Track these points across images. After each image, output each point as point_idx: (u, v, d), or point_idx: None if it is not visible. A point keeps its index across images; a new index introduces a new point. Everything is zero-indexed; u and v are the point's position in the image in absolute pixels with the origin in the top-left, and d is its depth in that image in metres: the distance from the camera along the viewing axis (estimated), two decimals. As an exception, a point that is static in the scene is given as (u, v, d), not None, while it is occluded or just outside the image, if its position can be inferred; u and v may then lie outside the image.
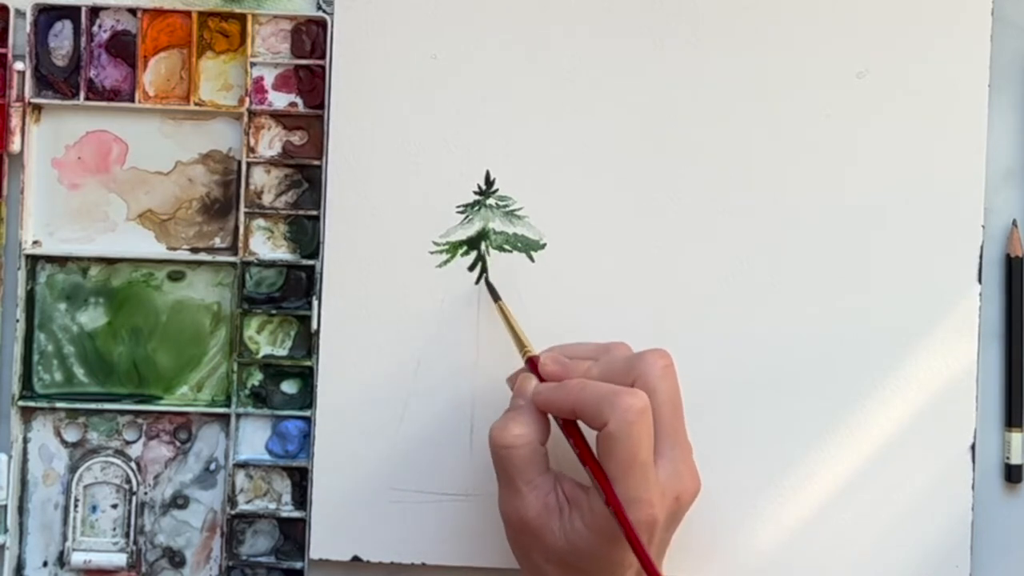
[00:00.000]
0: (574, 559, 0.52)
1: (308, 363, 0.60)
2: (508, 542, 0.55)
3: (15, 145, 0.60)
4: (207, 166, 0.61)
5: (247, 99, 0.60)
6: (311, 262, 0.60)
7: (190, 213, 0.61)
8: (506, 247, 0.60)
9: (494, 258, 0.60)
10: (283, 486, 0.60)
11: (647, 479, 0.50)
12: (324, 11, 0.60)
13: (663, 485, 0.51)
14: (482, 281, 0.59)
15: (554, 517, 0.52)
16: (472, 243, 0.60)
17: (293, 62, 0.60)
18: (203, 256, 0.60)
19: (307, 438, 0.60)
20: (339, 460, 0.59)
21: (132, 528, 0.60)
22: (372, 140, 0.60)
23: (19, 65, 0.60)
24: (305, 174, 0.61)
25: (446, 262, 0.60)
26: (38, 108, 0.60)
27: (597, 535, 0.51)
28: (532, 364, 0.55)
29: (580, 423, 0.52)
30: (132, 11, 0.60)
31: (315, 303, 0.60)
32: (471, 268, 0.60)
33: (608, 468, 0.50)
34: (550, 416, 0.54)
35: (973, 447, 0.59)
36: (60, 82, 0.60)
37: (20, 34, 0.60)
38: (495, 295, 0.58)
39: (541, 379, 0.54)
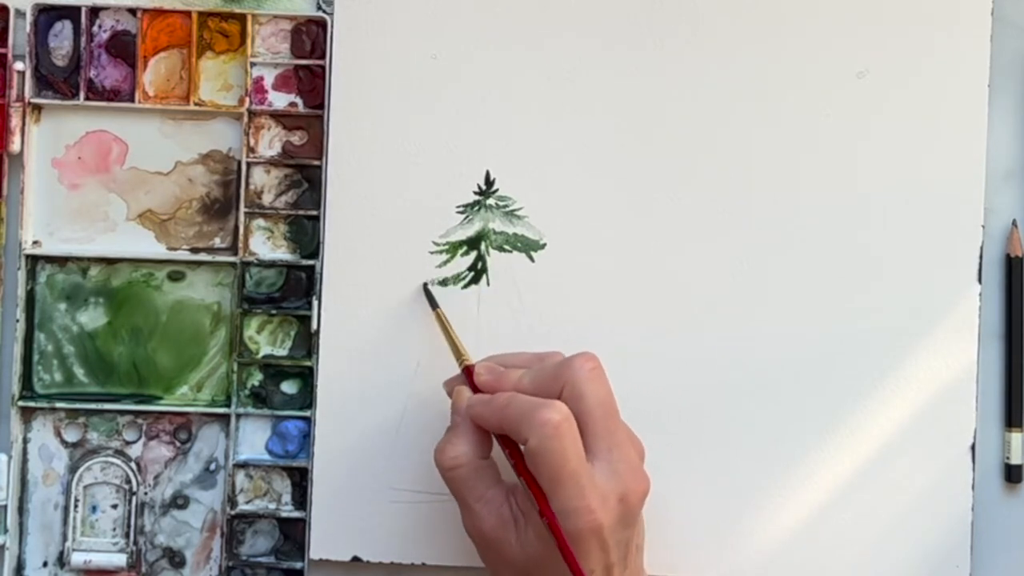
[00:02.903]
0: (535, 570, 0.52)
1: (308, 363, 0.60)
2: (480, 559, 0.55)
3: (15, 145, 0.60)
4: (207, 166, 0.61)
5: (247, 99, 0.60)
6: (311, 262, 0.60)
7: (190, 213, 0.61)
8: (506, 247, 0.60)
9: (494, 258, 0.60)
10: (283, 486, 0.60)
11: (580, 487, 0.50)
12: (324, 11, 0.60)
13: (602, 489, 0.50)
14: (420, 287, 0.59)
15: (510, 529, 0.52)
16: (472, 243, 0.60)
17: (293, 62, 0.60)
18: (203, 256, 0.60)
19: (307, 438, 0.60)
20: (339, 460, 0.59)
21: (132, 528, 0.60)
22: (372, 140, 0.60)
23: (19, 65, 0.60)
24: (305, 174, 0.61)
25: (446, 262, 0.60)
26: (38, 108, 0.60)
27: (550, 546, 0.51)
28: (468, 373, 0.55)
29: None
30: (132, 11, 0.60)
31: (315, 303, 0.60)
32: (471, 268, 0.60)
33: (540, 482, 0.50)
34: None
35: (973, 447, 0.59)
36: (60, 82, 0.60)
37: (20, 34, 0.60)
38: (433, 303, 0.58)
39: (475, 389, 0.55)
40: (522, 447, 0.51)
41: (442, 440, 0.54)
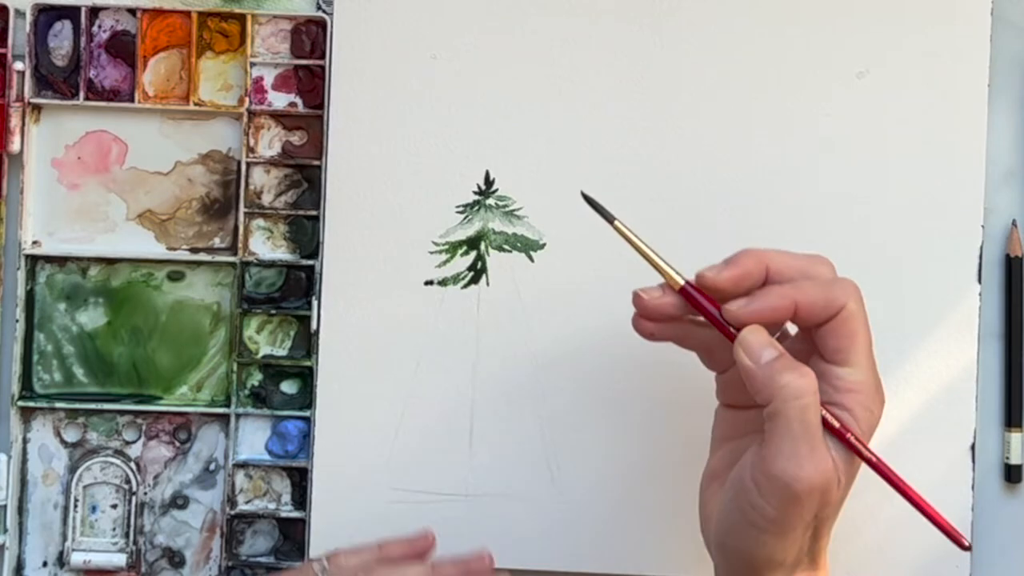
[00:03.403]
0: (838, 505, 0.51)
1: (308, 363, 0.60)
2: (771, 509, 0.49)
3: (15, 145, 0.59)
4: (207, 166, 0.61)
5: (247, 99, 0.60)
6: (311, 262, 0.60)
7: (190, 213, 0.61)
8: (506, 247, 0.60)
9: (494, 258, 0.60)
10: (283, 486, 0.60)
11: (874, 366, 0.50)
12: (324, 11, 0.60)
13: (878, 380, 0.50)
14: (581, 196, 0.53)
15: (839, 468, 0.50)
16: (472, 243, 0.60)
17: (293, 62, 0.60)
18: (203, 256, 0.60)
19: (307, 438, 0.60)
20: (339, 460, 0.59)
21: (132, 528, 0.60)
22: (372, 140, 0.60)
23: (19, 65, 0.60)
24: (305, 174, 0.61)
25: (446, 262, 0.60)
26: (38, 108, 0.60)
27: (852, 467, 0.50)
28: (686, 294, 0.51)
29: None
30: (132, 11, 0.60)
31: (315, 303, 0.60)
32: (471, 268, 0.60)
33: (853, 349, 0.49)
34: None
35: (973, 447, 0.59)
36: (60, 82, 0.60)
37: (20, 34, 0.60)
38: (607, 216, 0.53)
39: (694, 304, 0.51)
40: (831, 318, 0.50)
41: (778, 373, 0.49)
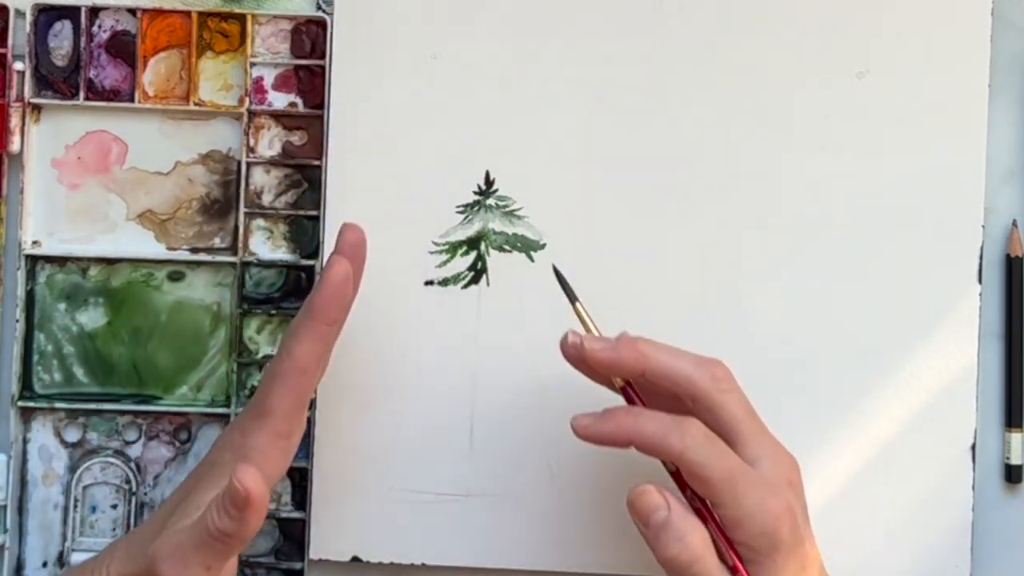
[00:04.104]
0: None
1: (308, 363, 0.60)
2: None
3: (15, 145, 0.59)
4: (207, 166, 0.61)
5: (247, 99, 0.60)
6: (311, 262, 0.60)
7: (190, 213, 0.61)
8: (506, 247, 0.60)
9: (494, 258, 0.60)
10: (283, 486, 0.60)
11: (748, 482, 0.49)
12: (324, 11, 0.60)
13: (769, 479, 0.49)
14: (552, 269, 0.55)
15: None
16: (472, 243, 0.60)
17: (293, 62, 0.60)
18: (203, 256, 0.60)
19: (307, 438, 0.60)
20: (339, 460, 0.59)
21: (132, 528, 0.60)
22: (372, 139, 0.60)
23: (19, 65, 0.60)
24: (305, 174, 0.61)
25: (446, 262, 0.60)
26: (38, 108, 0.60)
27: (763, 556, 0.49)
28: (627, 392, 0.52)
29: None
30: (132, 11, 0.60)
31: (315, 303, 0.60)
32: (471, 268, 0.60)
33: (708, 489, 0.49)
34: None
35: (973, 447, 0.59)
36: (60, 82, 0.60)
37: (20, 34, 0.60)
38: (570, 295, 0.54)
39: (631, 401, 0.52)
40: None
41: (664, 540, 0.49)
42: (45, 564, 0.60)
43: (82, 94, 0.60)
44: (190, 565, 0.48)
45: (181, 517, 0.49)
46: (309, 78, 0.60)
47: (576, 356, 0.52)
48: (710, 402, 0.51)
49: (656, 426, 0.50)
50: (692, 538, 0.48)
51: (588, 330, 0.53)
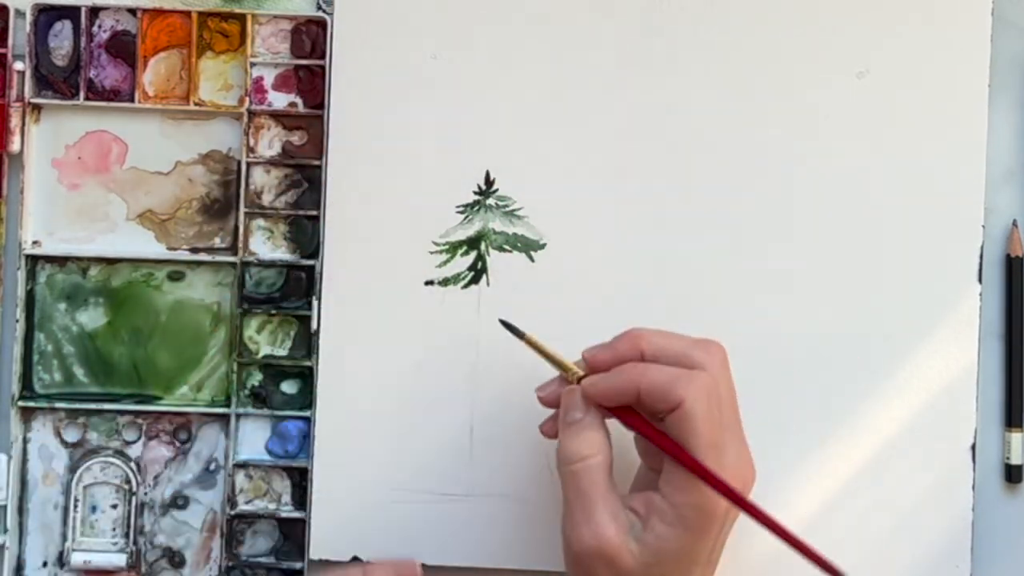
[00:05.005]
0: (655, 571, 0.49)
1: (308, 363, 0.60)
2: (568, 569, 0.51)
3: (15, 145, 0.60)
4: (207, 166, 0.61)
5: (247, 99, 0.60)
6: (311, 262, 0.60)
7: (190, 213, 0.61)
8: (506, 247, 0.60)
9: (494, 258, 0.60)
10: (283, 486, 0.60)
11: (721, 462, 0.49)
12: (324, 11, 0.60)
13: (731, 471, 0.50)
14: (497, 321, 0.57)
15: (629, 536, 0.49)
16: (472, 243, 0.60)
17: (293, 62, 0.60)
18: (203, 256, 0.60)
19: (307, 438, 0.60)
20: (339, 460, 0.59)
21: (132, 528, 0.60)
22: (372, 140, 0.60)
23: (19, 65, 0.60)
24: (305, 174, 0.61)
25: (446, 262, 0.60)
26: (38, 108, 0.60)
27: (683, 528, 0.49)
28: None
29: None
30: (132, 11, 0.60)
31: (315, 303, 0.60)
32: (471, 268, 0.60)
33: (692, 451, 0.49)
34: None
35: (973, 447, 0.59)
36: (60, 82, 0.60)
37: (20, 34, 0.60)
38: (518, 333, 0.56)
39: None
40: (664, 418, 0.50)
41: (567, 432, 0.51)
42: (45, 564, 0.60)
43: (82, 94, 0.60)
44: None
45: None
46: (309, 78, 0.60)
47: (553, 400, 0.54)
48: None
49: (661, 376, 0.50)
50: (592, 437, 0.51)
51: (548, 356, 0.54)
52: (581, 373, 0.53)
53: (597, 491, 0.50)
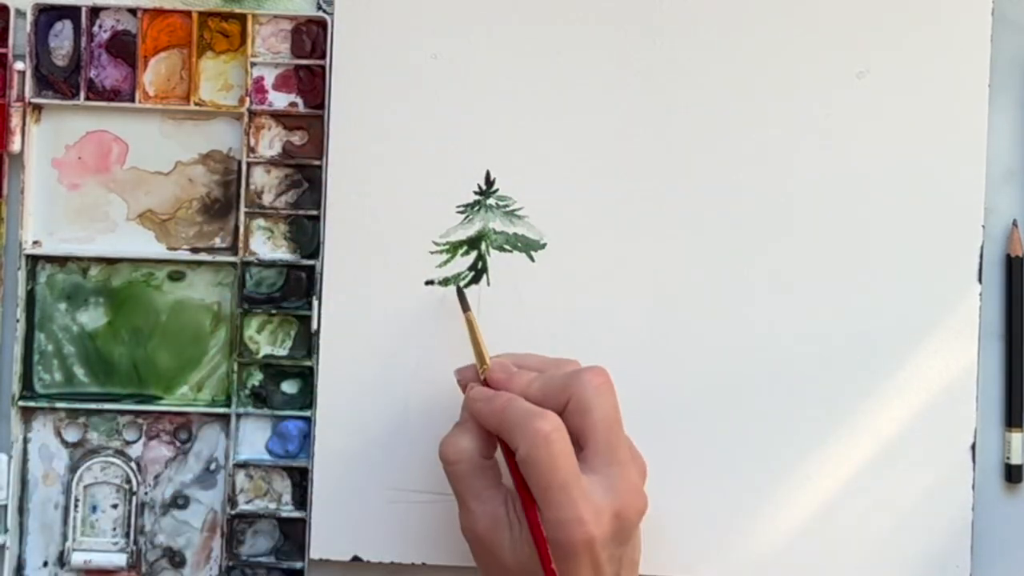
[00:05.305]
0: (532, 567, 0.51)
1: (308, 363, 0.60)
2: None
3: (15, 145, 0.60)
4: (207, 166, 0.61)
5: (247, 99, 0.60)
6: (311, 262, 0.60)
7: (190, 213, 0.61)
8: (506, 247, 0.60)
9: (494, 258, 0.60)
10: (283, 486, 0.60)
11: (572, 499, 0.50)
12: (324, 11, 0.60)
13: (596, 503, 0.50)
14: (452, 287, 0.59)
15: (504, 532, 0.52)
16: (472, 243, 0.60)
17: (293, 62, 0.60)
18: (203, 256, 0.60)
19: (307, 438, 0.60)
20: (339, 460, 0.59)
21: (132, 528, 0.60)
22: (372, 140, 0.60)
23: (19, 65, 0.60)
24: (305, 174, 0.61)
25: (446, 262, 0.60)
26: (38, 108, 0.60)
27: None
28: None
29: None
30: (132, 11, 0.60)
31: (315, 303, 0.60)
32: (471, 268, 0.60)
33: (532, 491, 0.51)
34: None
35: (973, 447, 0.59)
36: (60, 82, 0.60)
37: (20, 34, 0.60)
38: (465, 305, 0.58)
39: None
40: (516, 454, 0.51)
41: (448, 433, 0.54)
42: (45, 564, 0.60)
43: (82, 94, 0.60)
44: None
45: None
46: (309, 78, 0.60)
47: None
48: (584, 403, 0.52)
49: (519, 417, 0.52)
50: (462, 436, 0.53)
51: (474, 343, 0.56)
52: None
53: (468, 490, 0.53)
